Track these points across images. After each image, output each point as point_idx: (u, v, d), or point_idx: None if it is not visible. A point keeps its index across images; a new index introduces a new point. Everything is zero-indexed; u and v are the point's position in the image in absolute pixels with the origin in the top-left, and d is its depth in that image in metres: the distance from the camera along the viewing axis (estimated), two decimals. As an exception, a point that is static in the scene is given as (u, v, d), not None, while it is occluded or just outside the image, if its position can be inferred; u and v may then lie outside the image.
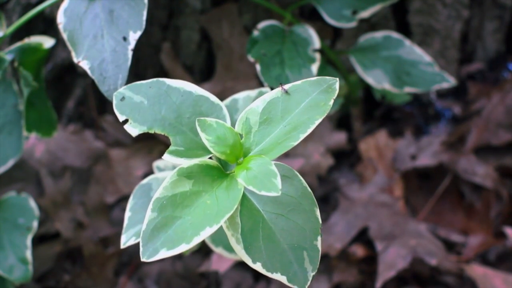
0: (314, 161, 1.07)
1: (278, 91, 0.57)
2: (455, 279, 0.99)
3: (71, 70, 1.09)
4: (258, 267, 0.55)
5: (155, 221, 0.53)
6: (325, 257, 1.02)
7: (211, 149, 0.55)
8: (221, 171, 0.57)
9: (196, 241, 0.51)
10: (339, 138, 1.09)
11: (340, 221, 1.03)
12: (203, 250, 1.03)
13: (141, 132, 0.58)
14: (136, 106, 0.59)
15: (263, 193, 0.50)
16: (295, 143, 0.54)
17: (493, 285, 0.95)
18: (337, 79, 0.56)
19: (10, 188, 1.04)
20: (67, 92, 1.12)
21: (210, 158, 0.58)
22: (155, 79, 0.60)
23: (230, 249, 0.73)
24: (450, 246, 1.03)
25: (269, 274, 0.55)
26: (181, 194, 0.54)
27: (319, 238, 0.57)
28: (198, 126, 0.55)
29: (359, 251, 1.01)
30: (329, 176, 1.10)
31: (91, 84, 1.10)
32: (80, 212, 1.06)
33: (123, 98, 0.59)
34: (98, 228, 1.05)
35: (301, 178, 0.57)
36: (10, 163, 0.85)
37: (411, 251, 0.98)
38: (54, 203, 1.05)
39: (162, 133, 0.58)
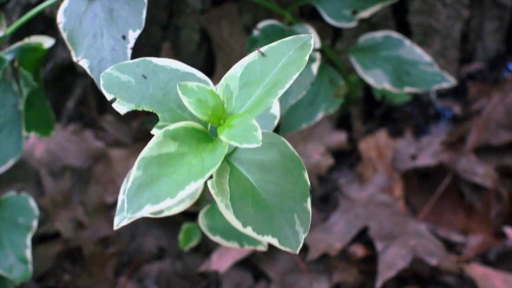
0: (314, 161, 1.07)
1: (255, 54, 0.57)
2: (455, 279, 0.99)
3: (71, 70, 1.09)
4: (248, 231, 0.55)
5: (140, 178, 0.52)
6: (325, 257, 1.02)
7: (192, 111, 0.55)
8: (206, 135, 0.57)
9: (181, 195, 0.51)
10: (339, 138, 1.09)
11: (340, 221, 1.03)
12: (203, 250, 1.03)
13: (129, 110, 0.58)
14: (124, 85, 0.59)
15: (245, 145, 0.50)
16: (275, 99, 0.54)
17: (493, 285, 0.95)
18: (312, 35, 0.56)
19: (10, 188, 1.04)
20: (67, 92, 1.12)
21: None
22: (142, 58, 0.60)
23: (227, 237, 0.74)
24: (450, 246, 1.03)
25: (259, 238, 0.55)
26: (166, 154, 0.54)
27: (308, 200, 0.57)
28: (179, 89, 0.55)
29: (359, 251, 1.01)
30: (329, 176, 1.10)
31: (91, 84, 1.10)
32: (80, 212, 1.06)
33: (110, 78, 0.59)
34: (98, 228, 1.06)
35: (287, 143, 0.57)
36: (10, 163, 0.85)
37: (411, 251, 0.98)
38: (54, 203, 1.05)
39: (150, 110, 0.58)
